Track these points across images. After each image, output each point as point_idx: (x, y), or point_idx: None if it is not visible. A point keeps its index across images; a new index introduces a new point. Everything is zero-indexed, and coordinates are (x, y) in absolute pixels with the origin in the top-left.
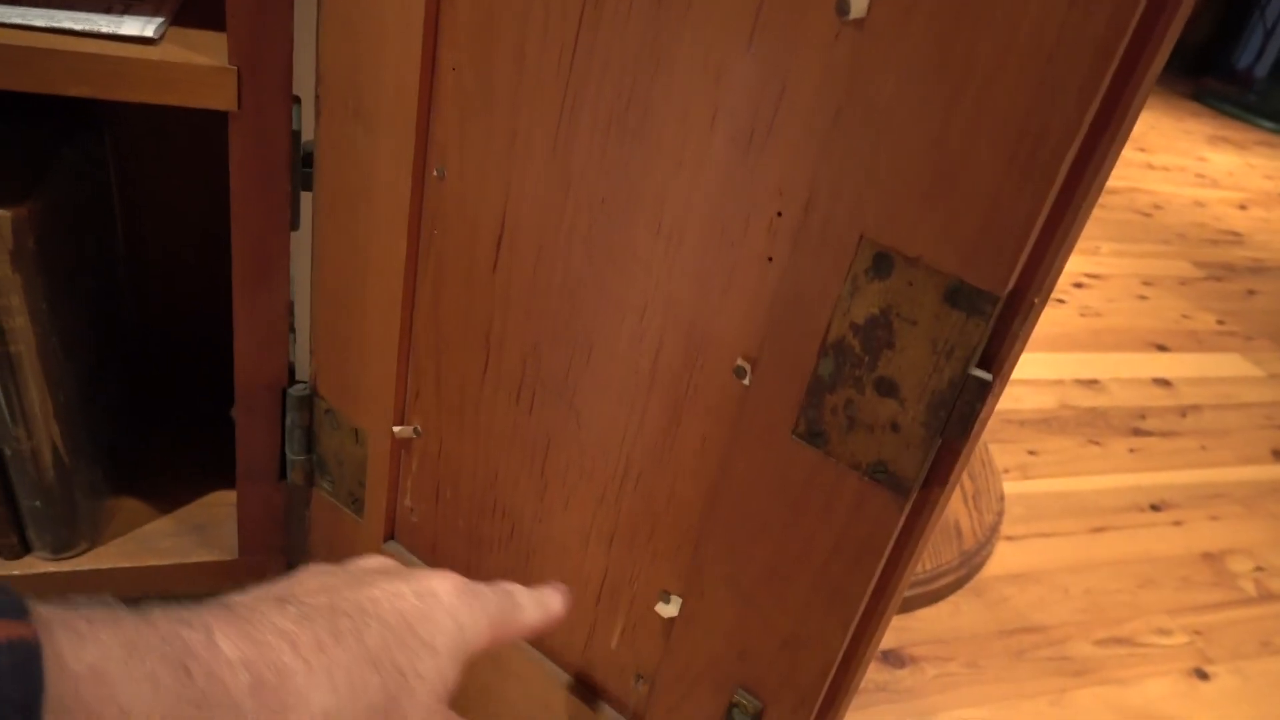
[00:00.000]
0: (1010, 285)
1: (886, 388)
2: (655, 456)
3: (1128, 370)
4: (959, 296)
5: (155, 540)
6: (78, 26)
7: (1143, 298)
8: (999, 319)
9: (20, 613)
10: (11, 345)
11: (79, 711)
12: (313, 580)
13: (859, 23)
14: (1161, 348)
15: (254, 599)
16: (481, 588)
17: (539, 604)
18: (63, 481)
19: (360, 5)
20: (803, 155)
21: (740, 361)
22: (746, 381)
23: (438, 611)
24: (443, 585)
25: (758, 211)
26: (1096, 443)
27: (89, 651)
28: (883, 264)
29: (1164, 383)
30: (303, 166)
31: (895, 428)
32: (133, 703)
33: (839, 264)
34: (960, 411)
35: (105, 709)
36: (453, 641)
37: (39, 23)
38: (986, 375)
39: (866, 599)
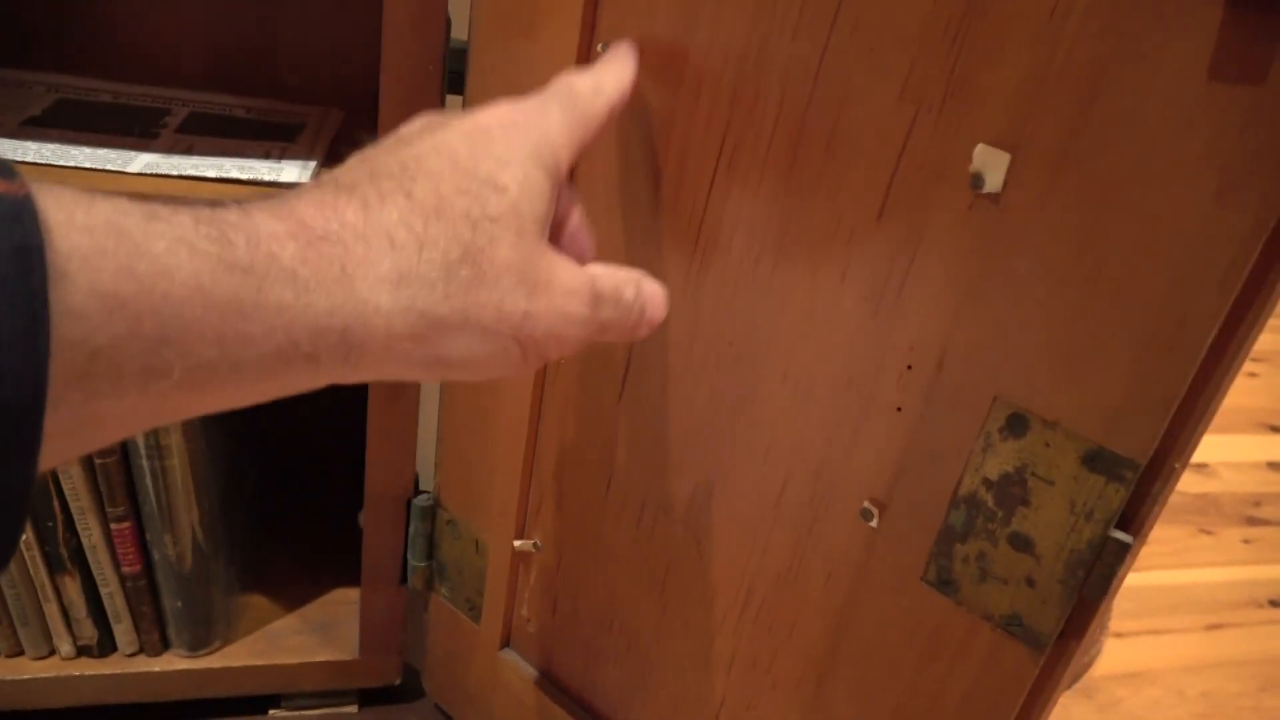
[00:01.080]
0: (1151, 453)
1: (1021, 543)
2: (777, 589)
3: (1239, 454)
4: (1099, 461)
5: (282, 638)
6: (243, 176)
7: (1252, 374)
8: (1139, 483)
9: (5, 173)
10: (166, 460)
11: (103, 265)
12: (349, 161)
13: (994, 197)
14: (1274, 428)
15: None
16: (533, 99)
17: (606, 79)
18: (202, 583)
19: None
20: (935, 316)
21: (867, 504)
22: (874, 524)
23: (494, 146)
24: (491, 116)
25: (888, 365)
26: (1208, 532)
27: (101, 209)
28: (1018, 424)
29: (1278, 466)
30: None
31: (1031, 583)
32: (165, 265)
33: (972, 421)
34: (1099, 572)
35: (136, 263)
36: (522, 172)
37: (210, 173)
38: (1127, 537)
39: None
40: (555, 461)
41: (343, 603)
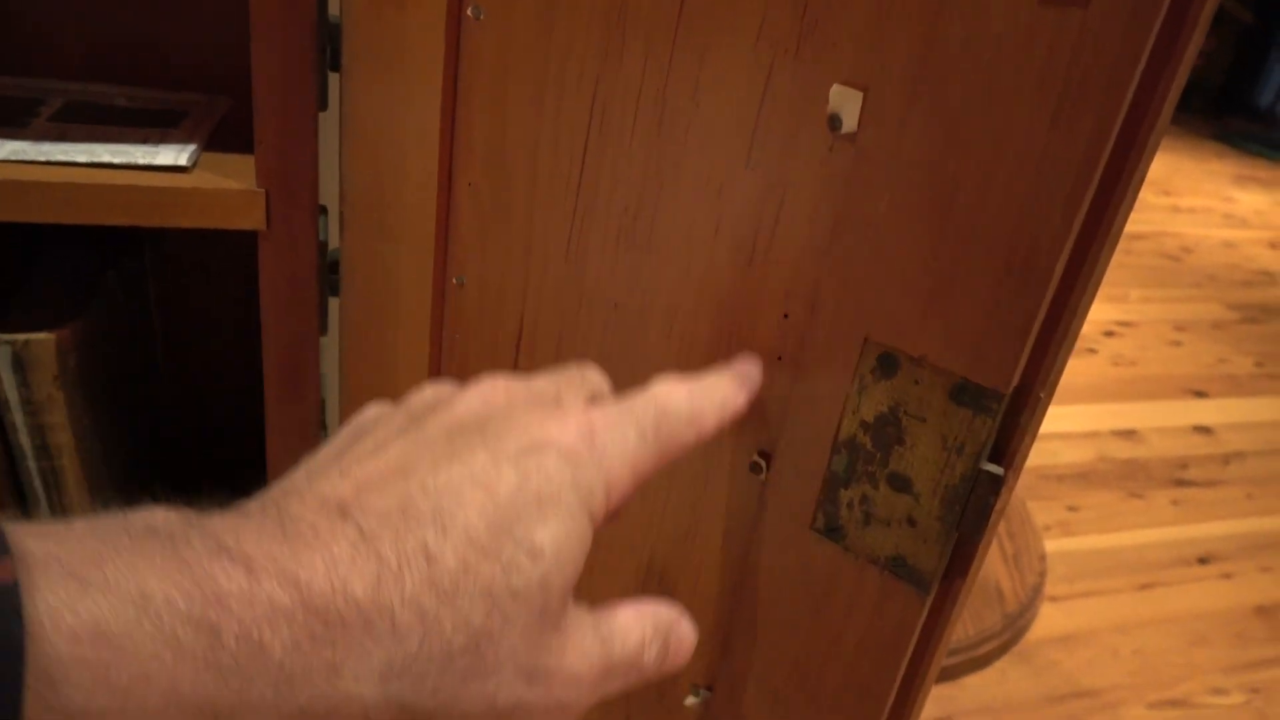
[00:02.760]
0: (1015, 382)
1: (900, 483)
2: (679, 551)
3: (1166, 419)
4: (965, 394)
5: None
6: (116, 160)
7: (1176, 343)
8: (1006, 414)
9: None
10: (55, 460)
11: (73, 685)
12: (383, 457)
13: (851, 137)
14: (1200, 394)
15: (310, 501)
16: (613, 409)
17: (708, 409)
18: None
19: (379, 127)
20: (805, 262)
21: (756, 458)
22: (763, 477)
23: (544, 482)
24: (561, 435)
25: (765, 314)
26: (1138, 495)
27: (90, 604)
28: (888, 364)
29: (1204, 430)
30: (330, 273)
31: (911, 522)
32: (146, 670)
33: (846, 364)
34: (974, 505)
35: (115, 675)
36: (564, 530)
37: (81, 158)
38: (998, 469)
39: (894, 693)
40: None
41: None
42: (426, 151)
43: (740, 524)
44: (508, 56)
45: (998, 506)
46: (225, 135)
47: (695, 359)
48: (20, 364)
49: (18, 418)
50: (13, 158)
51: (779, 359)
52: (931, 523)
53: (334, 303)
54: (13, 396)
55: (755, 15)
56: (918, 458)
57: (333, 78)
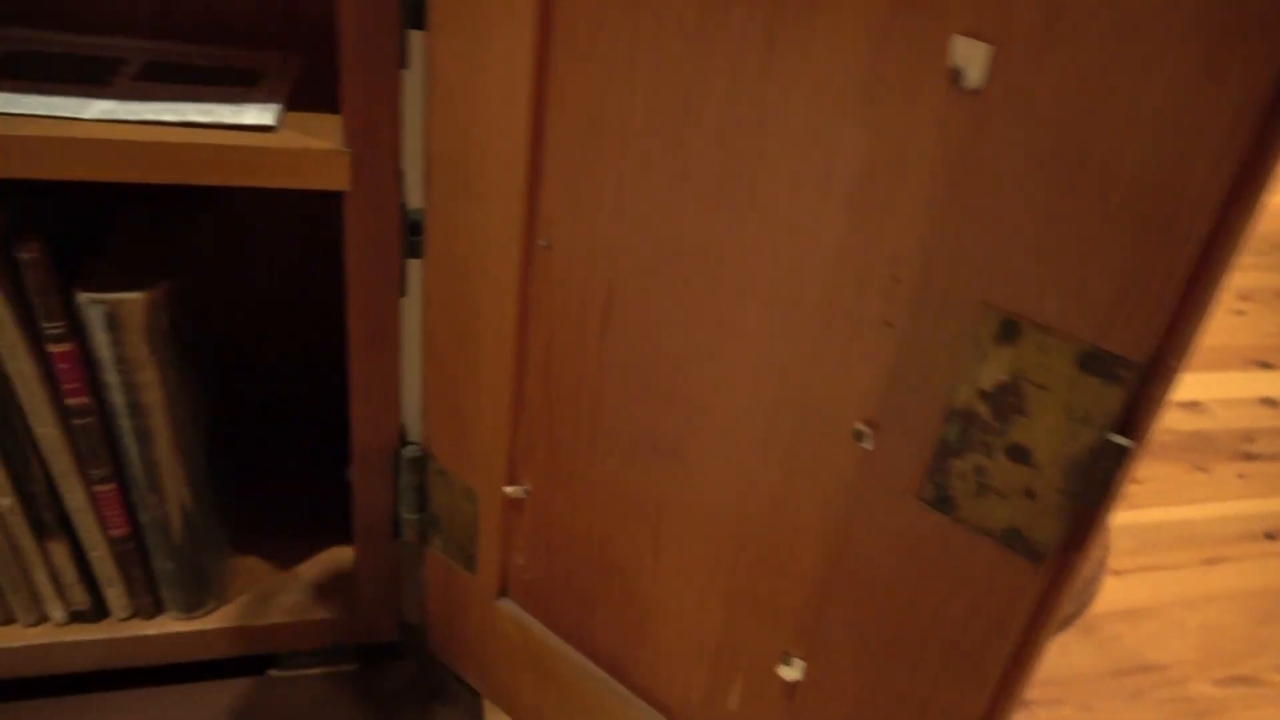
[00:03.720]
0: (1150, 351)
1: (1019, 454)
2: (773, 518)
3: (1230, 390)
4: (1094, 362)
5: (276, 598)
6: (204, 119)
7: (1240, 313)
8: (1137, 384)
9: None
10: (148, 418)
11: None
12: None
13: (976, 93)
14: (1265, 365)
15: None
16: None
17: None
18: (192, 544)
19: (468, 85)
20: (920, 222)
21: (859, 426)
22: (868, 446)
23: None
24: None
25: (873, 278)
26: (1203, 469)
27: None
28: (1010, 330)
29: (1270, 402)
30: (410, 235)
31: (1030, 495)
32: None
33: (963, 330)
34: (1098, 477)
35: None
36: None
37: (169, 117)
38: (1126, 441)
39: (1003, 667)
40: (543, 402)
41: (336, 560)
42: (515, 112)
43: (839, 492)
44: (602, 11)
45: (1120, 479)
46: (302, 93)
47: (797, 325)
48: (114, 323)
49: (111, 377)
50: (104, 117)
51: (886, 325)
52: (1051, 495)
53: (413, 266)
54: (107, 355)
55: None
56: (1040, 428)
57: (414, 36)
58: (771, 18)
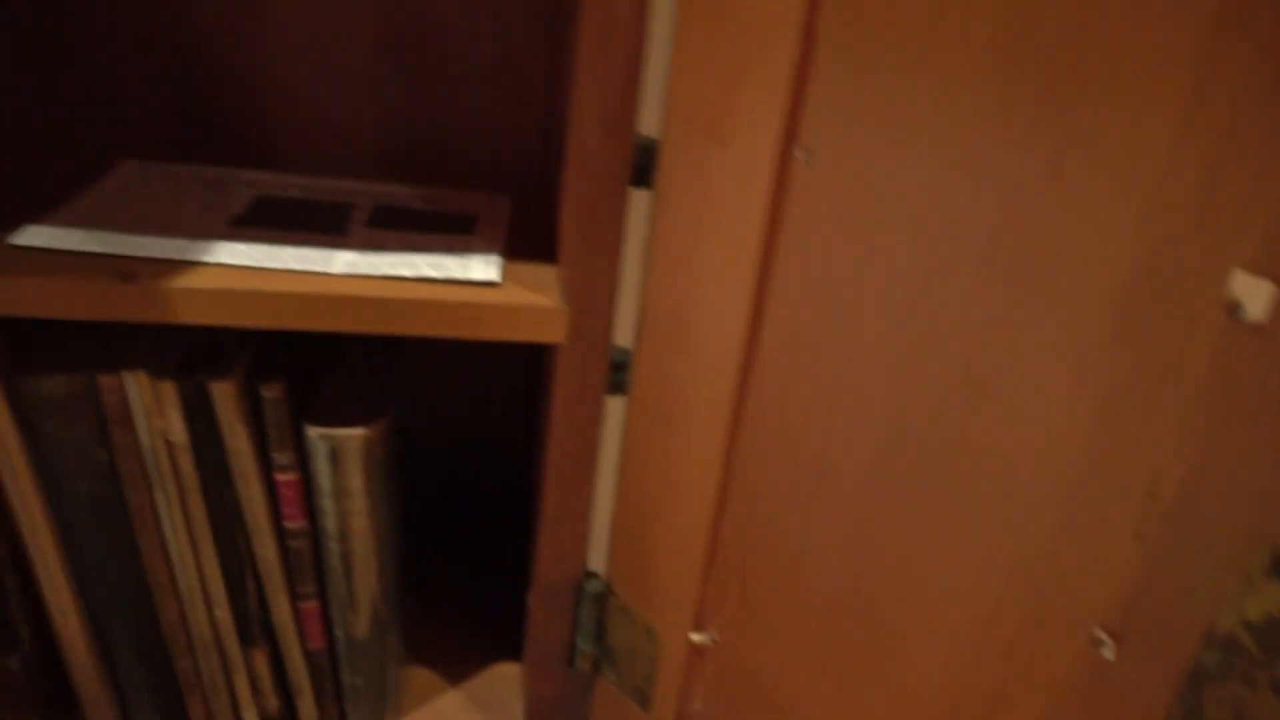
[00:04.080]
0: None
1: None
2: (988, 712)
3: None
4: None
5: (447, 714)
6: (436, 274)
7: None
8: None
9: None
10: (353, 542)
11: None
12: None
13: (1257, 329)
14: None
15: None
16: None
17: None
18: (377, 658)
19: (690, 246)
20: (1184, 443)
21: (1099, 633)
22: (1107, 655)
23: None
24: None
25: (1125, 490)
26: None
27: None
28: None
29: None
30: (613, 373)
31: None
32: None
33: (1228, 558)
34: None
35: None
36: None
37: (405, 272)
38: None
39: None
40: (738, 552)
41: (505, 678)
42: (739, 277)
43: (1071, 700)
44: (837, 202)
45: None
46: (515, 236)
47: (1035, 521)
48: (336, 456)
49: (327, 503)
50: (349, 271)
51: (1137, 537)
52: None
53: (613, 402)
54: (325, 484)
55: (1147, 183)
56: None
57: (638, 195)
58: (1025, 228)
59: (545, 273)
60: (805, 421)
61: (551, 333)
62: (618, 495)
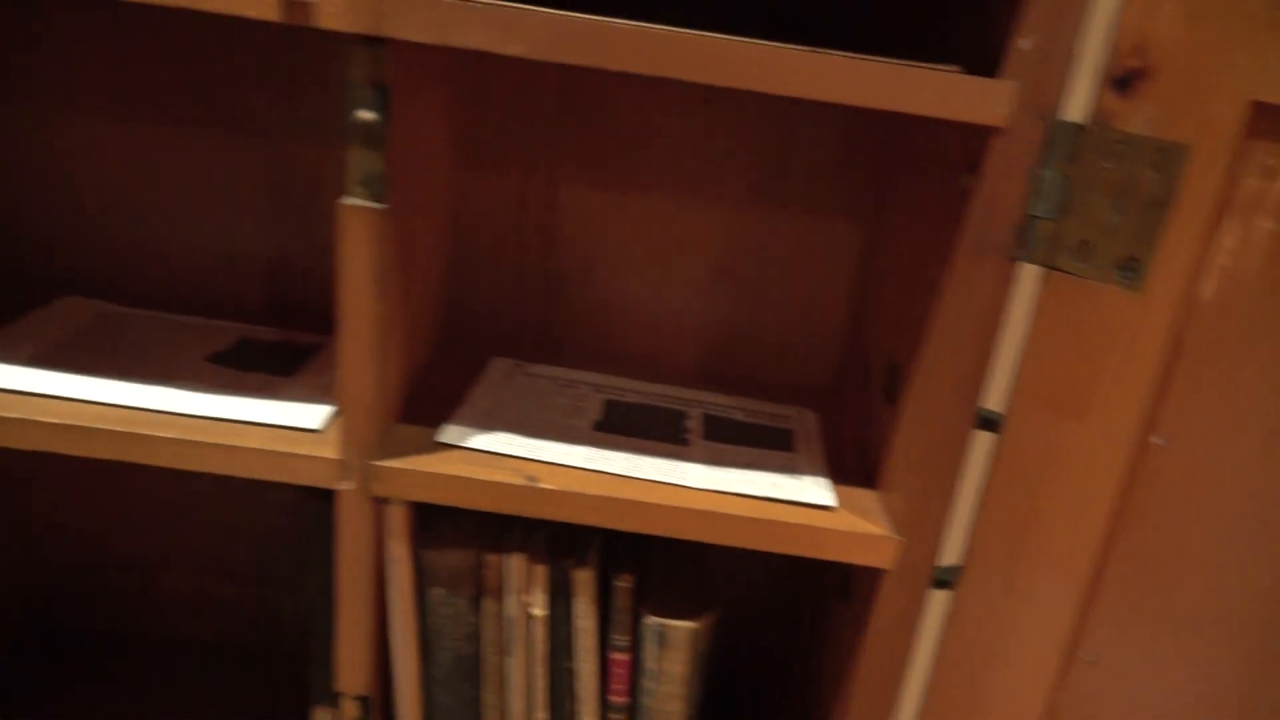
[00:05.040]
0: None
1: None
2: None
3: None
4: None
5: None
6: (777, 495)
7: None
8: None
9: None
10: None
11: None
12: None
13: None
14: None
15: None
16: None
17: None
18: None
19: (1037, 499)
20: None
21: None
22: None
23: None
24: None
25: None
26: None
27: None
28: None
29: None
30: (934, 585)
31: None
32: None
33: None
34: None
35: None
36: None
37: (750, 490)
38: None
39: None
40: None
41: None
42: (1083, 537)
43: None
44: (1194, 486)
45: None
46: (833, 459)
47: None
48: (666, 642)
49: (650, 684)
50: (705, 486)
51: None
52: None
53: (932, 616)
54: (652, 667)
55: None
56: None
57: (981, 436)
58: None
59: (867, 497)
60: (1143, 679)
61: (880, 558)
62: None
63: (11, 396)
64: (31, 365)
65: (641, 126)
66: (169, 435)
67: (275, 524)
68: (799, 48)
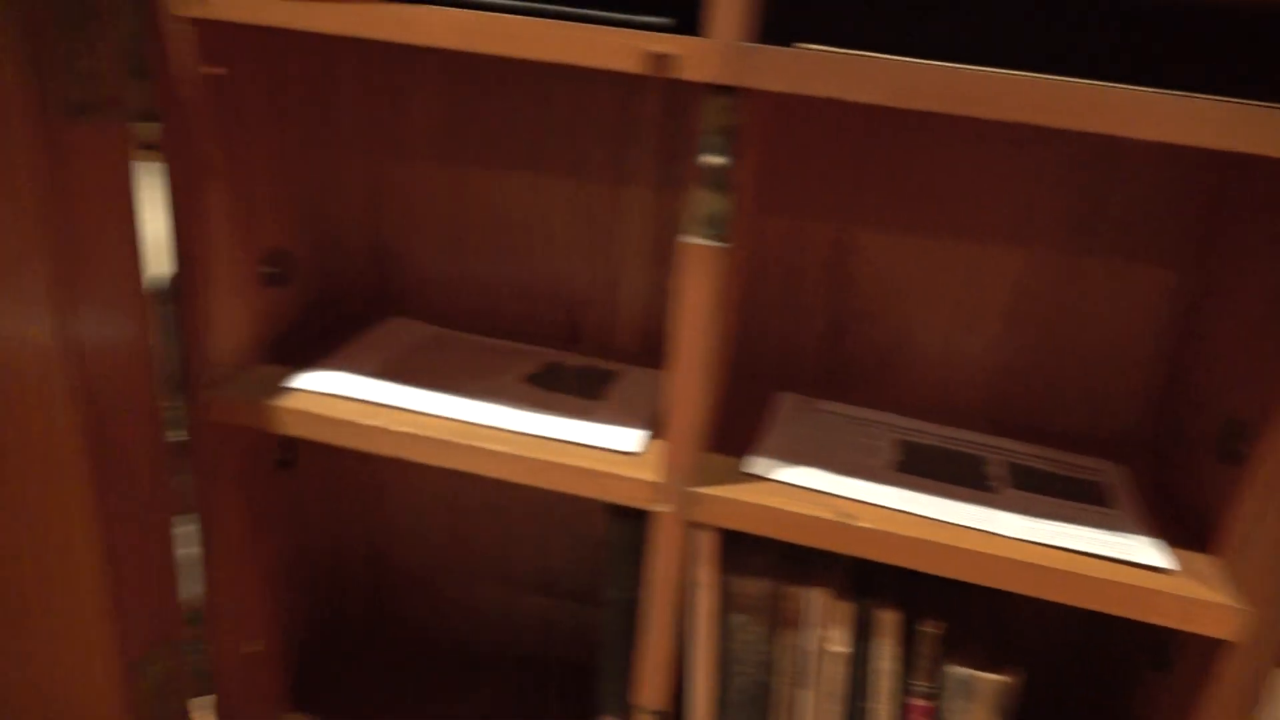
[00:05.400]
0: None
1: None
2: None
3: None
4: None
5: None
6: (1099, 551)
7: None
8: None
9: None
10: None
11: None
12: None
13: None
14: None
15: None
16: None
17: None
18: None
19: None
20: None
21: None
22: None
23: None
24: None
25: None
26: None
27: None
28: None
29: None
30: None
31: None
32: None
33: None
34: None
35: None
36: None
37: (1069, 544)
38: None
39: None
40: None
41: None
42: None
43: None
44: None
45: None
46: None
47: None
48: (970, 694)
49: None
50: (1020, 536)
51: None
52: None
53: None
54: (953, 717)
55: None
56: None
57: None
58: None
59: (1201, 560)
60: None
61: (1221, 628)
62: None
63: (369, 406)
64: (379, 379)
65: (942, 169)
66: (503, 450)
67: (563, 543)
68: (1156, 90)
